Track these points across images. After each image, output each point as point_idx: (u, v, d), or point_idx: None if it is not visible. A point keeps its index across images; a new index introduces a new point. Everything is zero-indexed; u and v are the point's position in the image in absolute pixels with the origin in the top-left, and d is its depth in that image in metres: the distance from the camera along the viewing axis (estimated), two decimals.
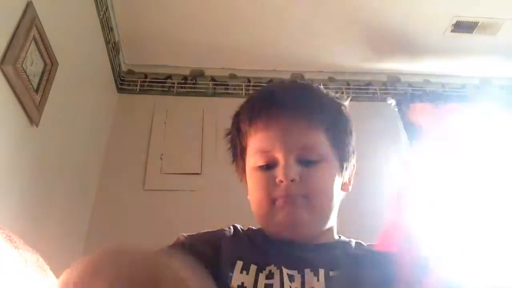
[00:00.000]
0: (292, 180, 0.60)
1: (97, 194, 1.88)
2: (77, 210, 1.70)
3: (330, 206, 0.64)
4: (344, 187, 0.69)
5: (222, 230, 0.69)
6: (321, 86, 0.72)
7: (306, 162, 0.62)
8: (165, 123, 2.15)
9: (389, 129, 2.23)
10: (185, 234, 0.66)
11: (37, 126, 1.29)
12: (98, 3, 1.83)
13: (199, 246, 0.63)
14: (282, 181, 0.60)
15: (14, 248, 0.44)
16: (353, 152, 0.71)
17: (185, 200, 1.90)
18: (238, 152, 0.71)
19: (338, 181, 0.66)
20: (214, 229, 0.69)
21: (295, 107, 0.64)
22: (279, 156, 0.62)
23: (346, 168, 0.68)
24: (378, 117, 2.27)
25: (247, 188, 0.69)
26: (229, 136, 0.73)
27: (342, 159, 0.68)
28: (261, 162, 0.64)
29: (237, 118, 0.70)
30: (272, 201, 0.62)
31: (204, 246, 0.63)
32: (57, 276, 0.49)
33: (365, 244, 0.69)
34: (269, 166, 0.63)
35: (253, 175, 0.65)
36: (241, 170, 0.71)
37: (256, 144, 0.65)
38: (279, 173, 0.61)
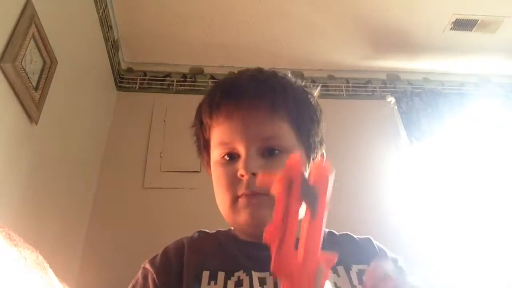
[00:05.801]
0: (253, 174, 0.56)
1: (97, 191, 1.88)
2: (76, 207, 1.70)
3: None
4: None
5: (182, 242, 0.65)
6: (290, 75, 0.68)
7: (269, 154, 0.59)
8: (165, 121, 2.15)
9: (388, 127, 2.23)
10: (148, 263, 0.63)
11: (36, 124, 1.29)
12: (97, 1, 1.82)
13: (164, 274, 0.60)
14: (243, 175, 0.57)
15: (13, 246, 0.44)
16: (321, 142, 0.67)
17: (185, 198, 1.90)
18: (201, 145, 0.69)
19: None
20: (174, 243, 0.65)
21: (256, 97, 0.61)
22: (240, 148, 0.59)
23: (313, 159, 0.65)
24: (377, 115, 2.27)
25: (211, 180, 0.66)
26: (194, 128, 0.72)
27: (309, 149, 0.64)
28: (222, 155, 0.61)
29: (200, 110, 0.68)
30: (235, 198, 0.59)
31: (169, 271, 0.60)
32: (57, 274, 0.49)
33: (337, 234, 0.67)
34: (231, 159, 0.60)
35: (216, 169, 0.63)
36: (206, 163, 0.69)
37: (218, 136, 0.62)
38: (240, 166, 0.58)
